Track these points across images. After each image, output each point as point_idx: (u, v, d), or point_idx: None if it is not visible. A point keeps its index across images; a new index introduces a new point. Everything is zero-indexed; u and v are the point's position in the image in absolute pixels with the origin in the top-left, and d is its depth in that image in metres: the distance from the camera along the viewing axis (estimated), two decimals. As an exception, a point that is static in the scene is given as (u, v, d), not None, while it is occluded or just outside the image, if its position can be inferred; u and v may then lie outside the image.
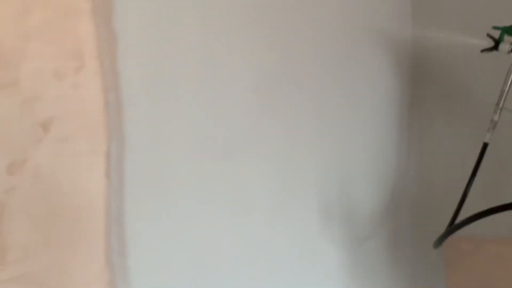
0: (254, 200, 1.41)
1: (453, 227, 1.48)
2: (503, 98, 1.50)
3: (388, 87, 1.82)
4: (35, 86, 0.99)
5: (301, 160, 1.53)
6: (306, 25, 1.51)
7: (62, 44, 1.02)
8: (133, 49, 1.14)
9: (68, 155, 1.05)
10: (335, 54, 1.62)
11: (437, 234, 1.53)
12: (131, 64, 1.13)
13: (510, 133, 1.65)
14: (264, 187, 1.43)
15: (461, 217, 1.51)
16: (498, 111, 1.51)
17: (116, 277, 1.10)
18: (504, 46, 1.46)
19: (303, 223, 1.56)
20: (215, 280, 1.32)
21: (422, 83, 1.83)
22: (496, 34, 1.47)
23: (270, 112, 1.44)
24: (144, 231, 1.17)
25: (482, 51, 1.49)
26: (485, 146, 1.52)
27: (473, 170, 1.52)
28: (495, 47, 1.46)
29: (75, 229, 1.07)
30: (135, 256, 1.15)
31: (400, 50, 1.82)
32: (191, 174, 1.27)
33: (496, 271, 1.66)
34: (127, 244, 1.14)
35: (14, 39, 0.96)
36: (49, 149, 1.02)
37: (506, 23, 1.47)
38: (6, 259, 0.95)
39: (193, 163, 1.27)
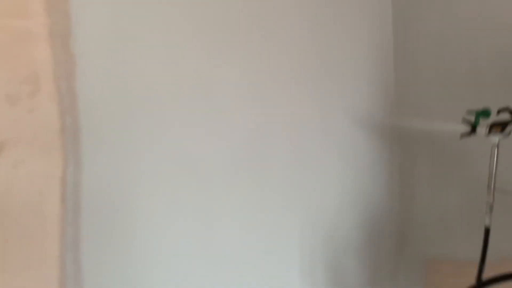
0: (228, 254, 1.40)
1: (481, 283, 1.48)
2: (492, 180, 1.49)
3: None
4: (-13, 111, 0.97)
5: (281, 206, 1.53)
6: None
7: (16, 68, 1.01)
8: (92, 71, 1.12)
9: (21, 179, 1.03)
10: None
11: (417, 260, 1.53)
12: (90, 87, 1.12)
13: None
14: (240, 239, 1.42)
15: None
16: (492, 193, 1.49)
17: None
18: (481, 130, 1.47)
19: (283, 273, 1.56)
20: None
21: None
22: (472, 118, 1.48)
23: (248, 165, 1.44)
24: (101, 258, 1.15)
25: (461, 137, 1.49)
26: (487, 231, 1.50)
27: (481, 256, 1.51)
28: (473, 131, 1.47)
29: (28, 255, 1.05)
30: (90, 283, 1.13)
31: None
32: (151, 199, 1.25)
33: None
34: (82, 271, 1.12)
35: (-36, 63, 0.94)
36: (2, 173, 1.01)
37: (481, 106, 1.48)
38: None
39: (152, 188, 1.26)
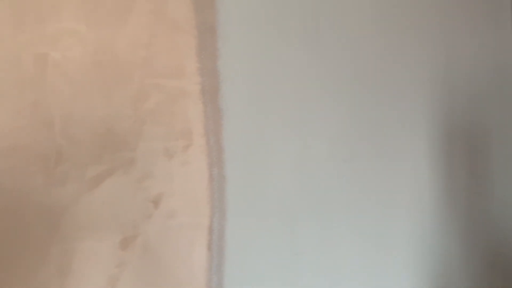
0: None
1: None
2: None
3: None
4: (148, 165, 1.05)
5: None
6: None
7: (172, 125, 1.08)
8: (236, 125, 1.17)
9: (173, 229, 1.09)
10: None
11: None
12: (234, 140, 1.17)
13: None
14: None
15: None
16: None
17: None
18: None
19: None
20: None
21: None
22: None
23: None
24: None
25: None
26: None
27: None
28: None
29: (177, 304, 1.09)
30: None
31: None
32: (287, 246, 1.27)
33: None
34: (226, 318, 1.15)
35: (131, 122, 1.02)
36: (158, 224, 1.07)
37: None
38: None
39: (288, 235, 1.27)
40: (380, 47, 1.41)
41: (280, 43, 1.23)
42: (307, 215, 1.30)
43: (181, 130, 1.09)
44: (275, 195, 1.25)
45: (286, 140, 1.25)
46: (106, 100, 1.00)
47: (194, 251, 1.12)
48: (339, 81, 1.35)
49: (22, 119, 0.93)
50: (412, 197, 1.46)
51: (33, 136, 0.92)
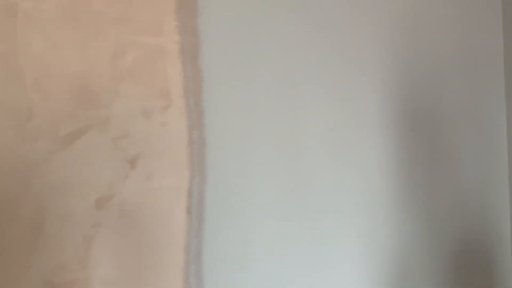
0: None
1: None
2: None
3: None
4: (125, 125, 1.02)
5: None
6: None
7: (150, 84, 1.05)
8: (217, 87, 1.15)
9: (152, 191, 1.07)
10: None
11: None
12: (215, 102, 1.15)
13: None
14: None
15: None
16: None
17: (192, 315, 1.10)
18: None
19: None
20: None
21: None
22: None
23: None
24: (222, 270, 1.17)
25: None
26: None
27: None
28: None
29: (155, 265, 1.08)
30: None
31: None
32: (271, 210, 1.25)
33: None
34: (204, 282, 1.14)
35: (108, 79, 1.00)
36: (135, 185, 1.05)
37: None
38: (90, 293, 0.97)
39: (273, 200, 1.26)
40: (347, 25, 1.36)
41: (265, 1, 1.20)
42: (290, 182, 1.28)
43: (159, 90, 1.06)
44: (257, 161, 1.23)
45: (269, 104, 1.23)
46: (81, 55, 0.97)
47: (173, 214, 1.10)
48: (322, 50, 1.32)
49: (-9, 72, 0.90)
50: (363, 191, 1.39)
51: (2, 89, 0.90)
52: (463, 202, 1.57)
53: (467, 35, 1.58)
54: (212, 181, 1.15)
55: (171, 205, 1.10)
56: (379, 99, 1.40)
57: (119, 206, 1.03)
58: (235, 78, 1.17)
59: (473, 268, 1.59)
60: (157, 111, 1.06)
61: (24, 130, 0.92)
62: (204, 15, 1.11)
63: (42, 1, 0.93)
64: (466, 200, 1.58)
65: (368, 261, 1.38)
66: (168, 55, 1.07)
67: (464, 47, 1.58)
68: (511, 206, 1.66)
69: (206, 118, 1.14)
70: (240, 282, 1.20)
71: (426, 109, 1.52)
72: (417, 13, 1.49)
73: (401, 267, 1.46)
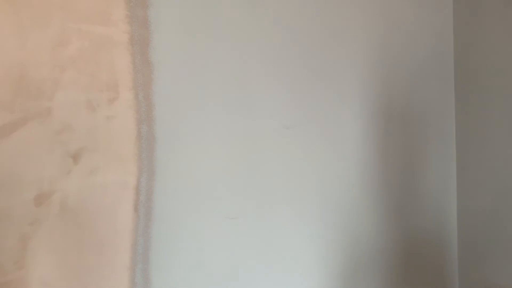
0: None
1: None
2: None
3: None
4: (68, 117, 0.97)
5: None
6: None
7: (97, 74, 1.00)
8: (168, 81, 1.11)
9: (96, 187, 1.02)
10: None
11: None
12: (165, 96, 1.10)
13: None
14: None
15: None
16: None
17: (138, 317, 1.06)
18: None
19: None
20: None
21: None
22: None
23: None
24: (169, 270, 1.13)
25: None
26: None
27: None
28: None
29: (99, 265, 1.03)
30: (158, 295, 1.10)
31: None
32: (222, 208, 1.22)
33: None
34: (151, 282, 1.10)
35: (49, 69, 0.94)
36: (78, 181, 1.00)
37: None
38: (27, 295, 0.92)
39: (224, 197, 1.23)
40: (320, 25, 1.36)
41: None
42: (242, 178, 1.26)
43: (106, 82, 1.01)
44: (208, 156, 1.20)
45: (222, 99, 1.19)
46: (20, 42, 0.91)
47: (119, 212, 1.06)
48: (279, 43, 1.30)
49: None
50: (318, 188, 1.44)
51: None
52: (417, 204, 1.61)
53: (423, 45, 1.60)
54: (161, 177, 1.11)
55: (117, 202, 1.05)
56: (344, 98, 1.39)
57: (60, 202, 0.98)
58: (187, 71, 1.13)
59: (421, 265, 1.61)
60: (103, 104, 1.01)
61: (-45, 120, 0.86)
62: (155, 5, 1.07)
63: (-23, -18, 0.87)
64: (420, 202, 1.61)
65: (321, 260, 1.37)
66: (116, 46, 1.02)
67: (419, 52, 1.60)
68: (458, 209, 1.70)
69: (156, 112, 1.09)
70: (189, 281, 1.17)
71: (401, 107, 1.53)
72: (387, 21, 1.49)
73: (352, 262, 1.47)
